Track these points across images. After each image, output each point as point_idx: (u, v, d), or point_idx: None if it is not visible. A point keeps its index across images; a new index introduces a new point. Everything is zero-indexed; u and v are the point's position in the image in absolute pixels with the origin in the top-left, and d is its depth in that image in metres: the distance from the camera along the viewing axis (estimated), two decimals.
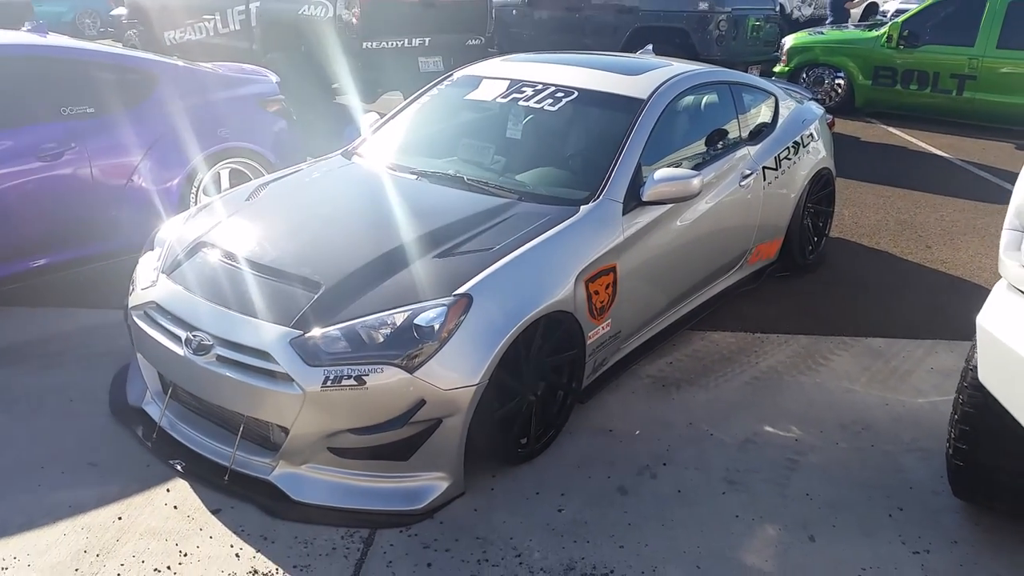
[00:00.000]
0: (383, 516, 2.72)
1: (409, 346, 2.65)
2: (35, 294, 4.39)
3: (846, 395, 3.65)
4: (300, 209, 3.50)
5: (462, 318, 2.72)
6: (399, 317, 2.71)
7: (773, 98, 4.73)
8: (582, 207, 3.31)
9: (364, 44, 7.98)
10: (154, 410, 3.19)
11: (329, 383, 2.62)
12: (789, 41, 10.75)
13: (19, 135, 4.18)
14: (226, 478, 2.85)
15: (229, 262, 3.09)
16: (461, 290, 2.78)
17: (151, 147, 4.66)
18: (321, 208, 3.49)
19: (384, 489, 2.77)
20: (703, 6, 8.76)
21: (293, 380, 2.65)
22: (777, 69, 10.74)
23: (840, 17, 12.70)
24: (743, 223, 4.26)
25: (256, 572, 2.47)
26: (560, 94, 3.87)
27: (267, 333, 2.74)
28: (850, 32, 10.72)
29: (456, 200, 3.42)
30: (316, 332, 2.71)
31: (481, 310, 2.76)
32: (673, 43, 8.95)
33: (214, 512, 2.74)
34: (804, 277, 4.96)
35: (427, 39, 8.37)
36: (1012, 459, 2.44)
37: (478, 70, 4.35)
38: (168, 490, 2.86)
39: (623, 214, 3.37)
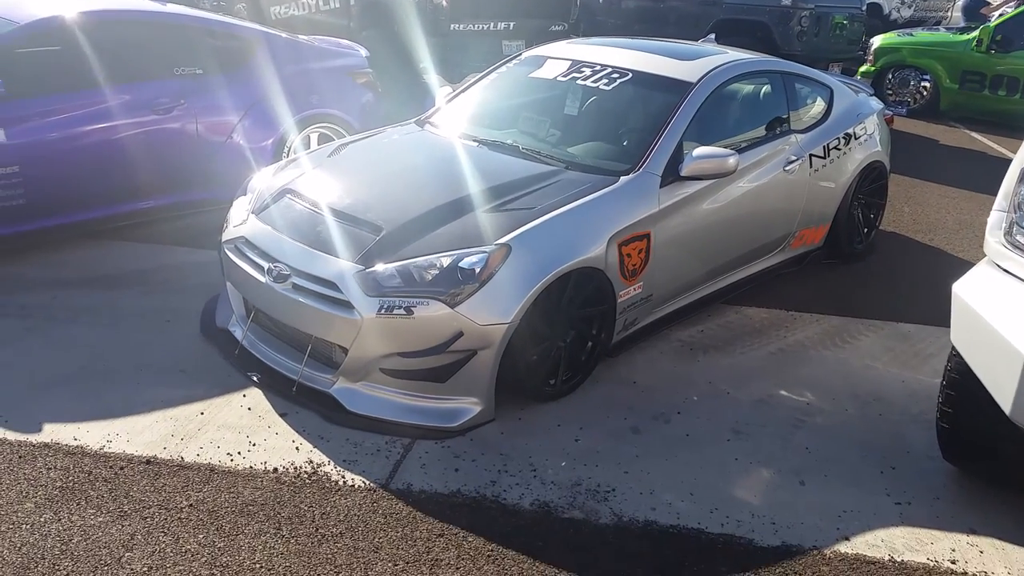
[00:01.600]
0: (423, 430, 3.13)
1: (453, 285, 3.05)
2: (144, 231, 4.97)
3: (865, 370, 3.88)
4: (373, 166, 3.94)
5: (500, 264, 3.10)
6: (446, 260, 3.11)
7: (828, 90, 4.92)
8: (622, 177, 3.64)
9: (452, 26, 8.42)
10: (238, 331, 3.68)
11: (383, 311, 3.04)
12: (877, 41, 10.69)
13: (137, 90, 4.77)
14: (294, 389, 3.31)
15: (308, 206, 3.55)
16: (502, 240, 3.16)
17: (250, 108, 5.20)
18: (390, 166, 3.92)
19: (426, 407, 3.18)
20: (786, 1, 8.85)
21: (354, 307, 3.09)
22: (863, 69, 10.70)
23: (974, 21, 12.40)
24: (786, 207, 4.50)
25: (311, 462, 2.92)
26: (616, 75, 4.20)
27: (335, 266, 3.19)
28: (940, 34, 10.59)
29: (510, 166, 3.80)
30: (376, 268, 3.14)
31: (518, 259, 3.13)
32: (754, 36, 9.05)
33: (281, 415, 3.21)
34: (850, 265, 5.14)
35: (511, 23, 8.75)
36: (989, 421, 2.66)
37: (544, 51, 4.70)
38: (244, 395, 3.34)
39: (661, 187, 3.68)
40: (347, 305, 3.11)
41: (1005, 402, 2.22)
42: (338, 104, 5.61)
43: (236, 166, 5.09)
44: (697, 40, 8.65)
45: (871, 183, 5.18)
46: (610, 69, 4.25)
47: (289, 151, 5.36)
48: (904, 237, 5.80)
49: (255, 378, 3.44)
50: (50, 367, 3.49)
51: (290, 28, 9.49)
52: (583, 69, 4.32)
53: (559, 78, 4.37)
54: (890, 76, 10.56)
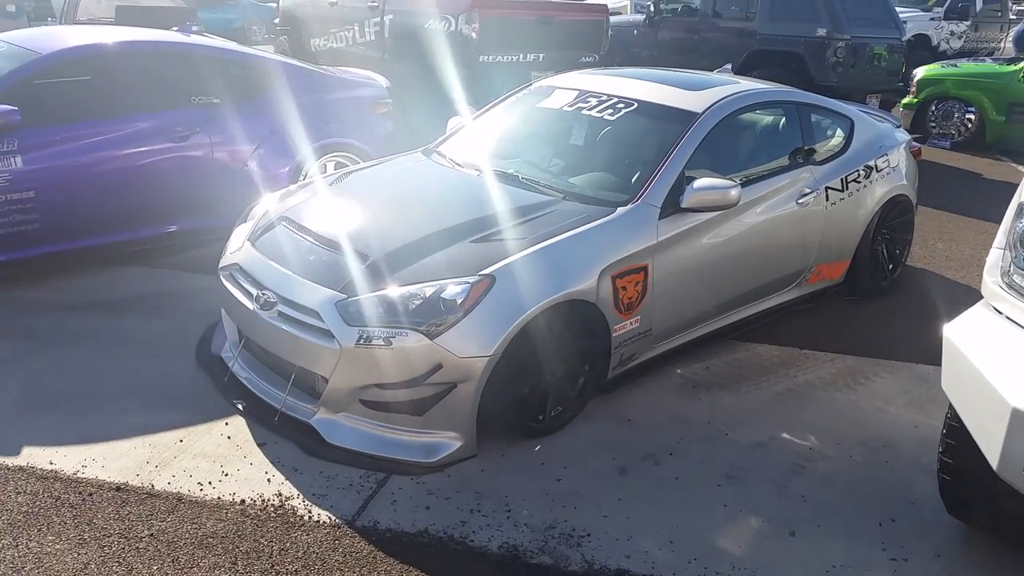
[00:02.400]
0: (400, 464, 3.05)
1: (433, 316, 2.99)
2: (159, 257, 5.02)
3: (876, 414, 3.69)
4: (369, 194, 3.92)
5: (483, 296, 3.03)
6: (429, 290, 3.05)
7: (848, 121, 4.77)
8: (619, 209, 3.55)
9: (481, 58, 8.45)
10: (229, 357, 3.67)
11: (362, 342, 2.99)
12: (920, 72, 10.43)
13: (154, 119, 4.85)
14: (276, 418, 3.27)
15: (300, 234, 3.54)
16: (486, 271, 3.09)
17: (266, 136, 5.26)
18: (387, 194, 3.90)
19: (405, 441, 3.10)
20: (821, 32, 8.69)
21: (334, 337, 3.04)
22: (905, 101, 10.44)
23: None
24: (800, 241, 4.35)
25: (280, 494, 2.87)
26: (621, 105, 4.13)
27: (318, 295, 3.16)
28: (985, 66, 10.29)
29: (507, 195, 3.73)
30: (358, 297, 3.09)
31: (502, 291, 3.06)
32: (788, 68, 8.92)
33: (260, 445, 3.17)
34: (873, 302, 4.94)
35: (541, 55, 8.75)
36: (990, 474, 2.48)
37: (555, 80, 4.66)
38: (227, 423, 3.31)
39: (660, 218, 3.57)
40: (328, 334, 3.06)
41: (992, 456, 2.06)
42: (356, 133, 5.64)
43: (252, 194, 5.11)
44: (743, 74, 8.62)
45: (895, 218, 4.99)
46: (616, 99, 4.18)
47: (306, 178, 5.39)
48: (934, 274, 5.57)
49: (240, 406, 3.41)
50: (43, 389, 3.51)
51: (329, 60, 9.68)
52: (589, 99, 4.26)
53: (565, 108, 4.32)
54: (933, 108, 10.27)
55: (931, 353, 4.25)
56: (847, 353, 4.27)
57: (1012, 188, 8.66)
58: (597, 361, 3.48)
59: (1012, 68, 9.70)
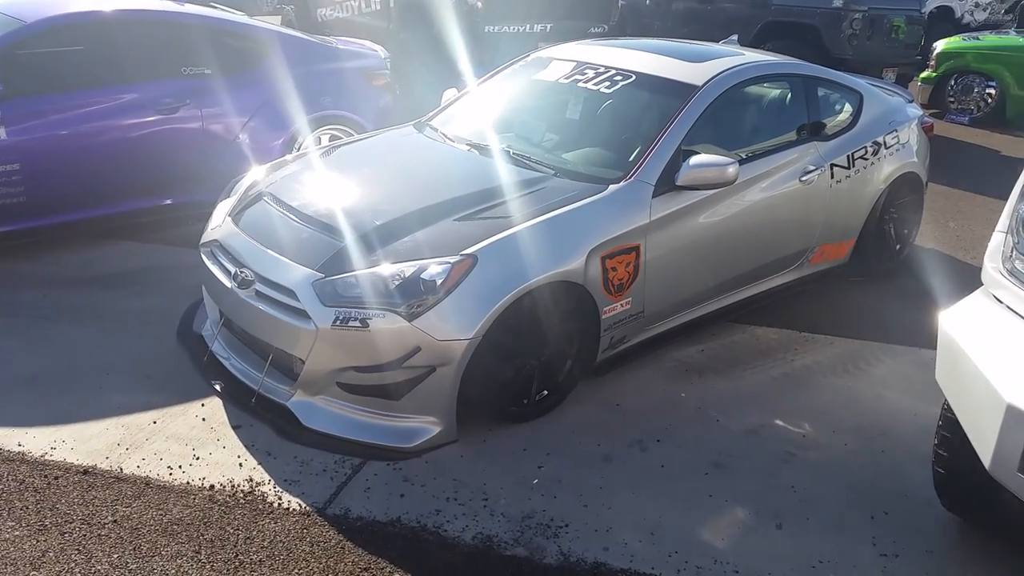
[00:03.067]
0: (377, 449, 2.97)
1: (412, 297, 2.88)
2: (147, 232, 4.94)
3: (875, 401, 3.57)
4: (355, 170, 3.80)
5: (464, 276, 2.92)
6: (409, 269, 2.95)
7: (857, 96, 4.59)
8: (610, 186, 3.41)
9: (487, 28, 8.27)
10: (210, 336, 3.59)
11: (339, 323, 2.89)
12: (939, 45, 10.14)
13: (142, 89, 4.74)
14: (253, 400, 3.19)
15: (281, 210, 3.43)
16: (468, 251, 2.98)
17: (259, 109, 5.14)
18: (373, 170, 3.78)
19: (382, 425, 3.02)
20: (837, 3, 8.42)
21: (310, 317, 2.94)
22: (924, 75, 10.16)
23: None
24: (802, 220, 4.20)
25: (251, 480, 2.79)
26: (618, 77, 3.97)
27: (295, 274, 3.06)
28: (1009, 38, 9.98)
29: (496, 172, 3.61)
30: (336, 277, 2.99)
31: (484, 271, 2.94)
32: (804, 40, 8.66)
33: (234, 428, 3.09)
34: (879, 283, 4.79)
35: (548, 25, 8.55)
36: (984, 469, 2.37)
37: (553, 51, 4.51)
38: (203, 405, 3.24)
39: (654, 196, 3.44)
40: (304, 315, 2.97)
41: (985, 454, 1.94)
42: (351, 106, 5.51)
43: (243, 167, 5.01)
44: (756, 46, 8.38)
45: (904, 196, 4.81)
46: (613, 71, 4.03)
47: (300, 151, 5.28)
48: (944, 255, 5.40)
49: (217, 386, 3.34)
50: (19, 367, 3.45)
51: (335, 30, 9.51)
52: (586, 71, 4.11)
53: (561, 80, 4.17)
54: (952, 82, 9.99)
55: (935, 338, 4.11)
56: (848, 336, 4.13)
57: None
58: (585, 344, 3.37)
59: None
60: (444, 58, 8.82)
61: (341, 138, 5.45)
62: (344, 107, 5.46)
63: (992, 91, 9.70)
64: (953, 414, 2.44)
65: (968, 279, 4.94)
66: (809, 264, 4.42)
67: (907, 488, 2.96)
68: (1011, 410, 1.83)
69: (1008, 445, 1.85)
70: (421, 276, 2.92)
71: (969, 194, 6.72)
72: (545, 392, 3.28)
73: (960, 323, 2.13)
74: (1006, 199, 7.15)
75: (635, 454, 3.08)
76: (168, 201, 4.99)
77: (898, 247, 4.93)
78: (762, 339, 4.08)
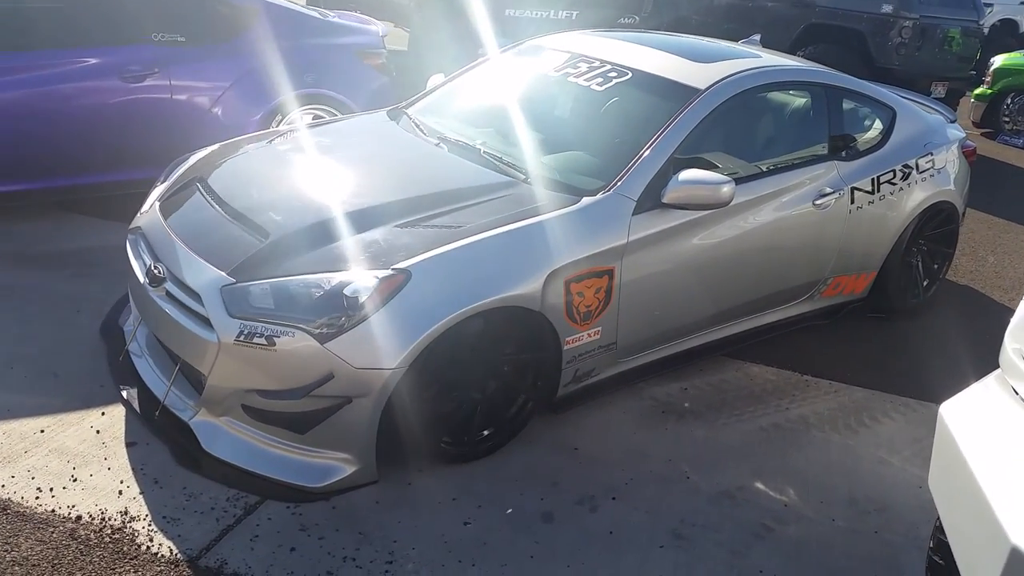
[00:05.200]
0: (280, 488, 2.56)
1: (327, 315, 2.47)
2: (111, 207, 4.56)
3: (877, 466, 3.08)
4: (306, 158, 3.39)
5: (393, 295, 2.49)
6: (331, 282, 2.53)
7: (889, 112, 4.06)
8: (584, 199, 2.96)
9: (507, 12, 7.81)
10: (130, 333, 3.21)
11: (242, 338, 2.49)
12: (998, 61, 9.46)
13: (106, 54, 4.37)
14: (157, 413, 2.81)
15: (209, 200, 3.04)
16: (402, 265, 2.55)
17: (235, 82, 4.75)
18: (327, 160, 3.36)
19: (291, 460, 2.61)
20: (887, 8, 7.80)
21: (213, 328, 2.55)
22: (978, 91, 9.49)
23: None
24: (813, 248, 3.71)
25: (126, 512, 2.41)
26: (613, 74, 3.51)
27: (204, 275, 2.66)
28: None
29: (460, 172, 3.18)
30: (248, 283, 2.58)
31: (417, 290, 2.52)
32: (848, 45, 8.06)
33: (128, 445, 2.72)
34: (899, 323, 4.28)
35: (574, 13, 8.05)
36: None
37: (547, 40, 4.05)
38: (103, 414, 2.87)
39: (635, 213, 2.99)
40: (208, 324, 2.57)
41: None
42: (337, 85, 5.09)
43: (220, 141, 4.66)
44: (795, 49, 7.81)
45: (937, 227, 4.29)
46: (609, 67, 3.56)
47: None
48: (978, 293, 4.85)
49: (124, 393, 2.96)
50: None
51: (345, 5, 9.10)
52: (579, 64, 3.65)
53: (551, 73, 3.72)
54: (1009, 101, 9.31)
55: (954, 392, 3.61)
56: (856, 384, 3.64)
57: None
58: (543, 377, 2.94)
59: None
60: (460, 40, 8.38)
61: (325, 119, 5.06)
62: (329, 86, 5.04)
63: None
64: None
65: (1002, 322, 4.42)
66: (820, 297, 3.93)
67: None
68: (1016, 555, 1.36)
69: None
70: (343, 291, 2.50)
71: (1015, 225, 6.12)
72: (490, 430, 2.86)
73: (965, 421, 1.66)
74: None
75: (582, 514, 2.64)
76: (133, 175, 4.61)
77: (925, 283, 4.41)
78: (756, 379, 3.60)
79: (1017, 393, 1.66)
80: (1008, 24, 14.42)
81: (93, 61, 4.33)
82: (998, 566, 1.37)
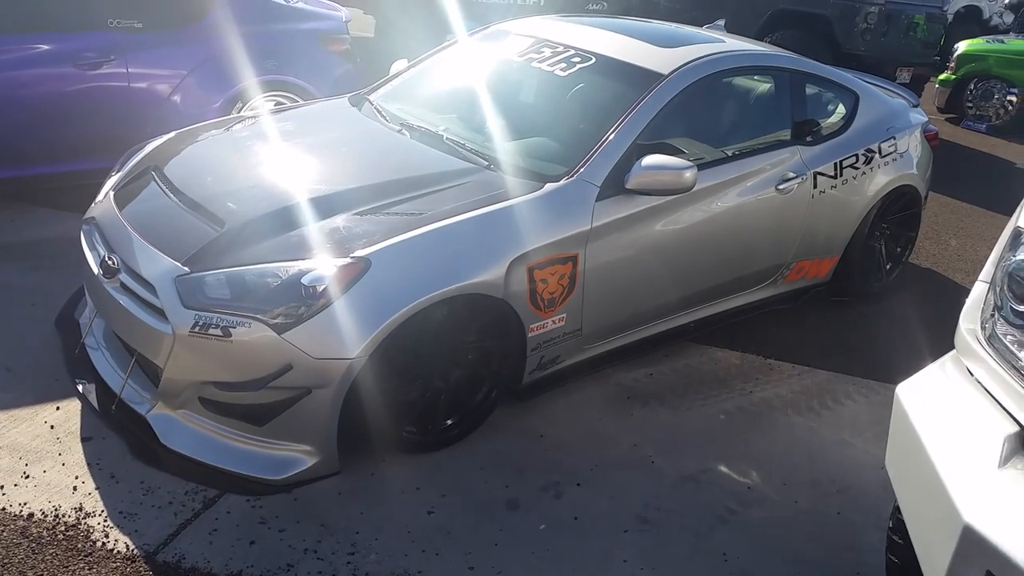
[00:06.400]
0: (240, 481, 2.52)
1: (284, 304, 2.43)
2: (69, 198, 4.46)
3: (839, 447, 3.11)
4: (264, 145, 3.32)
5: (352, 284, 2.46)
6: (288, 270, 2.49)
7: (852, 96, 4.08)
8: (547, 185, 2.94)
9: None
10: (86, 325, 3.15)
11: (197, 329, 2.44)
12: (961, 47, 9.58)
13: (60, 40, 4.26)
14: (114, 406, 2.75)
15: (163, 188, 2.98)
16: (360, 253, 2.52)
17: (194, 69, 4.66)
18: (286, 147, 3.30)
19: (250, 452, 2.57)
20: None
21: (168, 319, 2.50)
22: (942, 77, 9.61)
23: None
24: (777, 232, 3.72)
25: (81, 509, 2.36)
26: (577, 59, 3.49)
27: (159, 266, 2.60)
28: None
29: (422, 158, 3.14)
30: (202, 272, 2.53)
31: (376, 278, 2.48)
32: (815, 31, 8.09)
33: (84, 440, 2.66)
34: (864, 306, 4.32)
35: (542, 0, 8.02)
36: None
37: (511, 25, 4.01)
38: (58, 408, 2.80)
39: (597, 199, 2.97)
40: (163, 315, 2.52)
41: (932, 574, 1.48)
42: (298, 71, 5.01)
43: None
44: (762, 36, 7.82)
45: (899, 211, 4.32)
46: (572, 52, 3.54)
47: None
48: (941, 276, 4.91)
49: (80, 387, 2.90)
50: None
51: None
52: (543, 49, 3.62)
53: (515, 58, 3.69)
54: (972, 87, 9.44)
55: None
56: (819, 367, 3.67)
57: None
58: (508, 364, 2.92)
59: None
60: (427, 25, 8.32)
61: (284, 106, 4.98)
62: (291, 72, 4.97)
63: (1013, 98, 9.16)
64: None
65: (961, 305, 4.49)
66: (784, 281, 3.95)
67: (861, 563, 2.51)
68: (968, 533, 1.37)
69: (960, 575, 1.39)
70: (302, 280, 2.46)
71: (977, 209, 6.20)
72: (454, 419, 2.84)
73: (921, 402, 1.66)
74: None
75: (547, 501, 2.64)
76: (89, 166, 4.51)
77: (888, 267, 4.45)
78: (721, 364, 3.62)
79: (971, 373, 1.67)
80: (972, 11, 14.59)
81: (46, 47, 4.22)
82: (951, 544, 1.38)
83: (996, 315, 1.65)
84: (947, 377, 1.71)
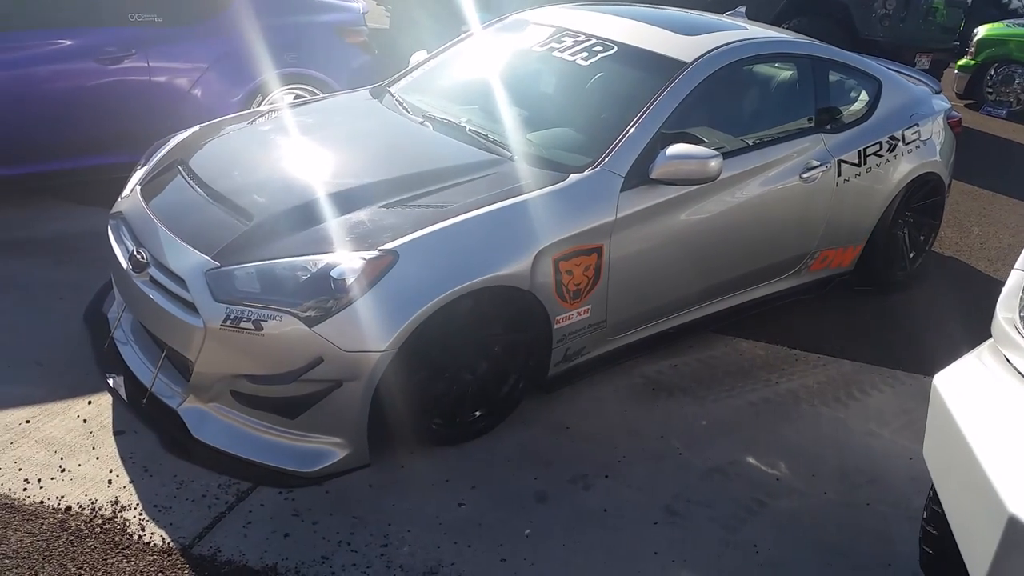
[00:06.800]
0: (272, 473, 2.54)
1: (315, 297, 2.43)
2: (90, 192, 4.48)
3: (867, 438, 3.10)
4: (288, 139, 3.32)
5: (381, 276, 2.46)
6: (317, 264, 2.50)
7: (876, 83, 4.05)
8: (572, 175, 2.94)
9: None
10: (115, 320, 3.17)
11: (229, 322, 2.46)
12: (981, 31, 9.48)
13: (81, 36, 4.28)
14: (145, 400, 2.77)
15: (190, 182, 2.99)
16: (388, 246, 2.52)
17: (214, 63, 4.67)
18: (309, 140, 3.30)
19: (281, 445, 2.59)
20: None
21: (199, 313, 2.51)
22: (961, 62, 9.52)
23: None
24: (801, 221, 3.70)
25: (117, 502, 2.38)
26: (598, 48, 3.47)
27: (188, 260, 2.62)
28: None
29: (446, 150, 3.14)
30: (233, 267, 2.55)
31: (405, 271, 2.49)
32: (832, 18, 8.02)
33: (116, 434, 2.68)
34: (886, 295, 4.29)
35: None
36: None
37: (532, 15, 3.99)
38: (89, 402, 2.83)
39: (623, 190, 2.96)
40: (194, 309, 2.53)
41: (976, 570, 1.48)
42: (319, 64, 5.02)
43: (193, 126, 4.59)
44: (779, 22, 7.75)
45: (922, 199, 4.29)
46: (594, 40, 3.53)
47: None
48: (964, 264, 4.88)
49: (111, 381, 2.92)
50: None
51: None
52: (564, 39, 3.61)
53: (535, 48, 3.67)
54: (992, 72, 9.35)
55: (943, 363, 3.61)
56: (844, 357, 3.65)
57: None
58: (534, 356, 2.92)
59: None
60: (444, 16, 8.29)
61: (306, 99, 4.99)
62: (310, 65, 4.98)
63: None
64: None
65: (990, 293, 4.45)
66: (808, 271, 3.93)
67: (893, 555, 2.51)
68: (1014, 524, 1.36)
69: (1006, 567, 1.39)
70: (330, 273, 2.47)
71: (999, 196, 6.15)
72: (481, 411, 2.84)
73: (960, 392, 1.66)
74: None
75: (576, 493, 2.64)
76: (111, 160, 4.54)
77: (911, 255, 4.42)
78: (746, 355, 3.61)
79: (1009, 362, 1.66)
80: None
81: (68, 43, 4.24)
82: (996, 535, 1.38)
83: None
84: (985, 367, 1.70)
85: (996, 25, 9.58)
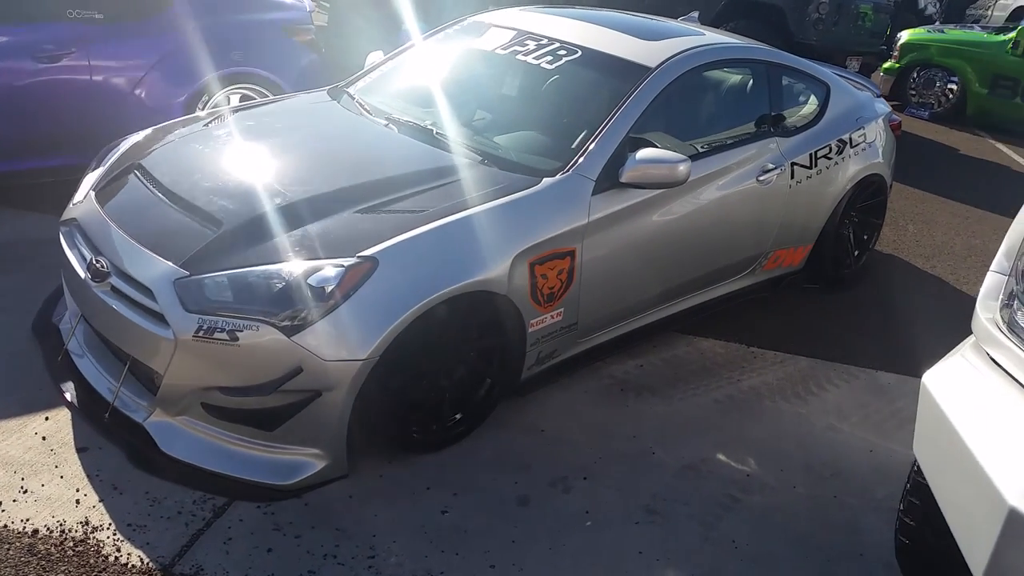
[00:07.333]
0: (248, 487, 2.47)
1: (293, 305, 2.38)
2: (28, 197, 4.30)
3: (827, 432, 3.20)
4: (248, 141, 3.24)
5: (361, 284, 2.42)
6: (294, 271, 2.44)
7: (824, 87, 4.18)
8: (544, 179, 2.94)
9: None
10: (67, 331, 3.04)
11: (201, 333, 2.38)
12: (904, 36, 9.87)
13: (16, 32, 4.08)
14: (107, 415, 2.66)
15: (150, 187, 2.88)
16: (367, 252, 2.48)
17: (158, 62, 4.52)
18: (271, 142, 3.22)
19: (255, 458, 2.52)
20: None
21: (168, 324, 2.42)
22: (886, 65, 9.88)
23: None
24: (757, 223, 3.79)
25: (87, 523, 2.28)
26: (563, 52, 3.49)
27: (155, 269, 2.53)
28: (973, 33, 9.73)
29: (414, 153, 3.11)
30: (203, 275, 2.47)
31: (385, 278, 2.45)
32: (768, 21, 8.24)
33: (80, 451, 2.57)
34: (834, 293, 4.43)
35: None
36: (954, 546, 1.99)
37: (492, 16, 3.98)
38: (47, 418, 2.70)
39: (593, 194, 2.98)
40: (163, 320, 2.45)
41: (976, 564, 1.54)
42: (266, 63, 4.91)
43: (142, 125, 4.40)
44: (718, 25, 7.91)
45: (867, 199, 4.45)
46: (557, 44, 3.54)
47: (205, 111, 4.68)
48: (903, 262, 5.07)
49: (67, 394, 2.80)
50: None
51: None
52: (527, 42, 3.61)
53: (498, 51, 3.66)
54: (915, 75, 9.74)
55: (892, 358, 3.79)
56: (800, 354, 3.76)
57: (992, 167, 8.17)
58: (508, 360, 2.92)
59: (1001, 38, 9.16)
60: (387, 17, 8.19)
61: (254, 99, 4.87)
62: (257, 64, 4.86)
63: (954, 86, 9.47)
64: (924, 479, 2.06)
65: (927, 289, 4.66)
66: (762, 270, 4.04)
67: (863, 544, 2.60)
68: (1015, 516, 1.43)
69: (1007, 559, 1.45)
70: (308, 281, 2.41)
71: (929, 195, 6.42)
72: (459, 416, 2.83)
73: (950, 390, 1.73)
74: (966, 203, 6.80)
75: (557, 496, 2.65)
76: (51, 163, 4.35)
77: (856, 254, 4.58)
78: (707, 354, 3.68)
79: (993, 360, 1.73)
80: (909, 1, 15.00)
81: (3, 39, 4.04)
82: (996, 528, 1.44)
83: (1016, 302, 1.72)
84: (971, 365, 1.78)
85: (918, 30, 10.00)
